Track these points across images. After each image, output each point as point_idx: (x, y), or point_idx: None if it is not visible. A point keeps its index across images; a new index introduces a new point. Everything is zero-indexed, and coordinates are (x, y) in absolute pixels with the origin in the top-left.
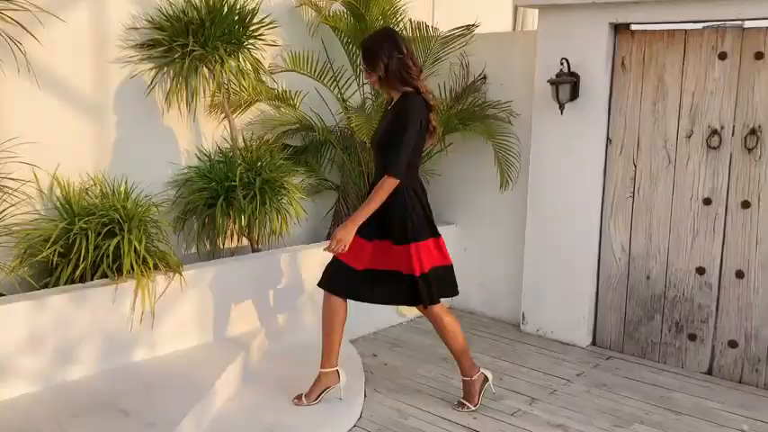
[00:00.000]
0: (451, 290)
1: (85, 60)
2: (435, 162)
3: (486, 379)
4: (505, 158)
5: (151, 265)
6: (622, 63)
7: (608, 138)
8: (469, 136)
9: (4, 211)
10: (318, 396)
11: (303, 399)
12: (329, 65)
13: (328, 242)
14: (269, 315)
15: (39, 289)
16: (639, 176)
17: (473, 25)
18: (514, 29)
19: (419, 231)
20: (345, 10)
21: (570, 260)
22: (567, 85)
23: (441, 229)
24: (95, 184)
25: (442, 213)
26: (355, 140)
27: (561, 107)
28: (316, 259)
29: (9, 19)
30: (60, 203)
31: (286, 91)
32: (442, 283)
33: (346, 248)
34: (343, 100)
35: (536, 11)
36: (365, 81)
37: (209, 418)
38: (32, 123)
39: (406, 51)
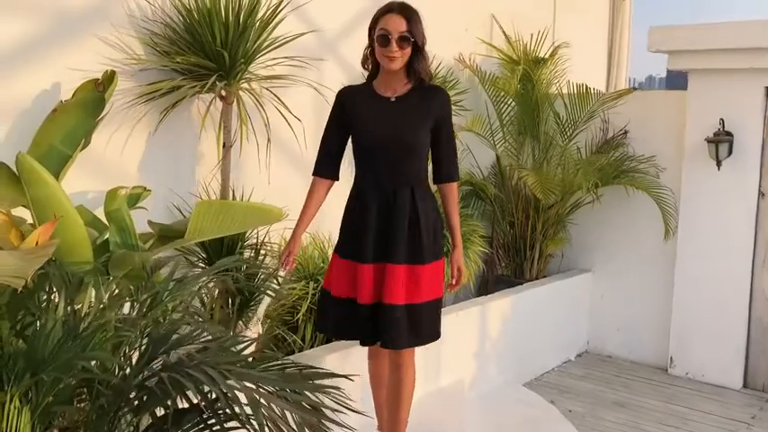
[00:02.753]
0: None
1: (307, 124)
2: (583, 212)
3: None
4: (665, 210)
5: None
6: None
7: (760, 191)
8: (610, 188)
9: (271, 275)
10: None
11: None
12: (488, 122)
13: (454, 280)
14: (467, 364)
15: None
16: None
17: (633, 88)
18: (607, 85)
19: (442, 245)
20: (506, 71)
21: (721, 305)
22: (726, 143)
23: (578, 278)
24: (314, 241)
25: (578, 261)
26: (509, 193)
27: (719, 163)
28: (498, 309)
29: (262, 89)
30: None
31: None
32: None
33: None
34: (497, 156)
35: (628, 70)
36: (390, 54)
37: None
38: (268, 185)
39: None
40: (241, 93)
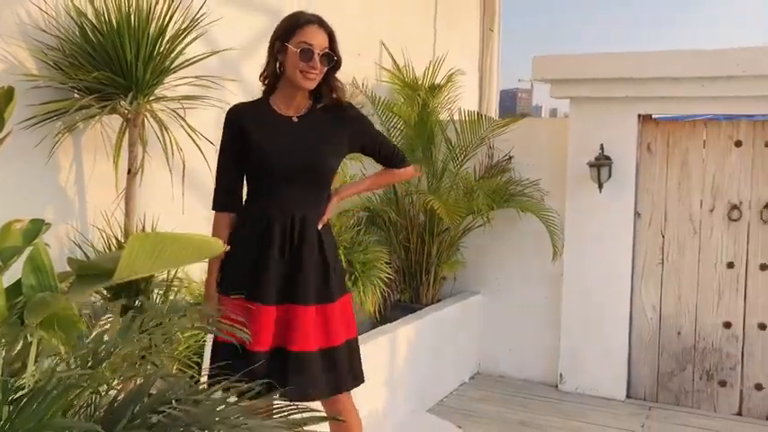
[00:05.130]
0: None
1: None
2: (474, 235)
3: None
4: (553, 231)
5: None
6: (648, 147)
7: (636, 212)
8: (499, 211)
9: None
10: None
11: None
12: None
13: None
14: (378, 393)
15: None
16: (668, 245)
17: (525, 115)
18: (479, 110)
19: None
20: (400, 96)
21: (605, 322)
22: (606, 167)
23: (469, 300)
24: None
25: (468, 283)
26: (404, 218)
27: (600, 186)
28: (404, 336)
29: (168, 110)
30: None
31: (354, 174)
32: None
33: None
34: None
35: (497, 97)
36: (311, 71)
37: None
38: (171, 213)
39: None
40: (148, 113)
